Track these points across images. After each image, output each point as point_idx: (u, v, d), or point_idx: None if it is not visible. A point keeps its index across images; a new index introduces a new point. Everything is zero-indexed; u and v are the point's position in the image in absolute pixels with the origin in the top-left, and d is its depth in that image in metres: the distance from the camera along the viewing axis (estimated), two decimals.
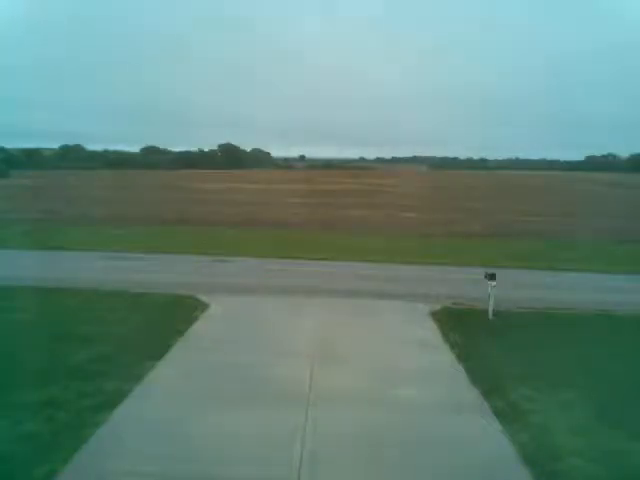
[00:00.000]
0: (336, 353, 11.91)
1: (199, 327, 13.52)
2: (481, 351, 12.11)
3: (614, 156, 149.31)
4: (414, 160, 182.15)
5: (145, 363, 10.78)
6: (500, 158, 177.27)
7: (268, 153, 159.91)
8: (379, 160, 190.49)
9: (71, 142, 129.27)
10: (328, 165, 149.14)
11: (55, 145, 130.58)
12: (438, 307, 15.68)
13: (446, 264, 22.62)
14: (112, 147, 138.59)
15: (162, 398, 9.44)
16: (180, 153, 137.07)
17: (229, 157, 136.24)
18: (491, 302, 14.62)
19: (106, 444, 7.81)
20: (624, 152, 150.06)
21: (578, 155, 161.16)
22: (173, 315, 14.23)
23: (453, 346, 12.42)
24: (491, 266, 17.44)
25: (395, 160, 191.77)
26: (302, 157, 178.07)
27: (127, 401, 9.17)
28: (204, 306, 15.24)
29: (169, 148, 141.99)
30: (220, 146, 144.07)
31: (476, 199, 56.12)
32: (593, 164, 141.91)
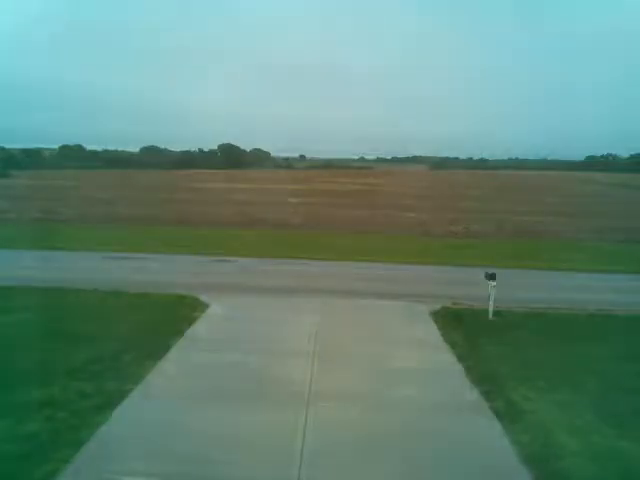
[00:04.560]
0: (336, 353, 11.93)
1: (199, 327, 13.53)
2: (481, 351, 12.12)
3: (614, 156, 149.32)
4: (414, 160, 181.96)
5: (145, 363, 10.79)
6: (500, 158, 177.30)
7: (268, 153, 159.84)
8: (379, 160, 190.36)
9: (71, 142, 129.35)
10: (328, 165, 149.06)
11: (55, 145, 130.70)
12: (438, 307, 15.69)
13: (445, 264, 22.63)
14: (112, 147, 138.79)
15: (162, 398, 9.45)
16: (180, 153, 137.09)
17: (229, 157, 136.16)
18: (491, 302, 14.62)
19: (106, 444, 7.81)
20: (624, 152, 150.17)
21: (578, 155, 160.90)
22: (173, 315, 14.23)
23: (453, 346, 12.42)
24: (491, 266, 17.43)
25: (395, 160, 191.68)
26: (302, 157, 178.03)
27: (127, 401, 9.18)
28: (204, 306, 15.25)
29: (169, 148, 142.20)
30: (220, 146, 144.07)
31: (476, 199, 56.13)
32: (593, 164, 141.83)
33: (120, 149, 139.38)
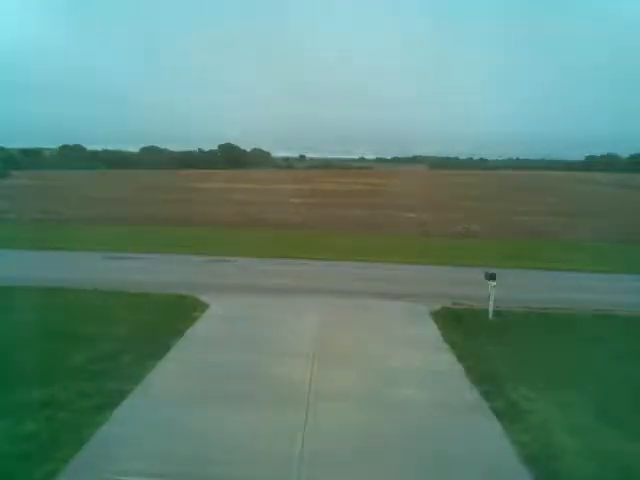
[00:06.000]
0: (336, 353, 11.93)
1: (199, 327, 13.53)
2: (481, 351, 12.12)
3: (614, 156, 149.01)
4: (414, 160, 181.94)
5: (145, 363, 10.80)
6: (500, 158, 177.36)
7: (268, 153, 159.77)
8: (379, 160, 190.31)
9: (71, 142, 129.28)
10: (328, 165, 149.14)
11: (55, 145, 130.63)
12: (438, 307, 15.69)
13: (445, 264, 22.63)
14: (112, 147, 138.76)
15: (162, 398, 9.45)
16: (180, 153, 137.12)
17: (229, 157, 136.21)
18: (491, 302, 14.62)
19: (107, 444, 7.83)
20: (624, 152, 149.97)
21: (578, 155, 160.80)
22: (173, 315, 14.24)
23: (453, 346, 12.43)
24: (491, 266, 17.42)
25: (396, 160, 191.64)
26: (302, 157, 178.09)
27: (127, 401, 9.19)
28: (204, 306, 15.26)
29: (169, 148, 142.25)
30: (220, 146, 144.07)
31: (476, 199, 56.10)
32: (593, 164, 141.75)
33: (120, 149, 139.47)
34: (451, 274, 20.79)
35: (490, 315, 14.66)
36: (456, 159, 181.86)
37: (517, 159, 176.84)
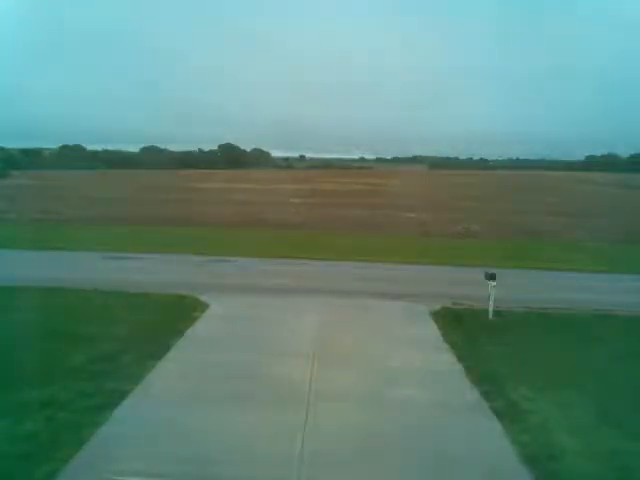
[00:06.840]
0: (336, 353, 11.93)
1: (199, 327, 13.53)
2: (481, 351, 12.12)
3: (614, 156, 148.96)
4: (414, 160, 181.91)
5: (145, 363, 10.80)
6: (500, 158, 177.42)
7: (268, 153, 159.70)
8: (379, 160, 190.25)
9: (71, 142, 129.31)
10: (328, 165, 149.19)
11: (55, 145, 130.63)
12: (438, 307, 15.69)
13: (445, 264, 22.63)
14: (112, 147, 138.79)
15: (162, 398, 9.45)
16: (180, 153, 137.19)
17: (229, 157, 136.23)
18: (491, 302, 14.62)
19: (107, 444, 7.82)
20: (624, 152, 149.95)
21: (578, 155, 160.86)
22: (173, 315, 14.24)
23: (453, 346, 12.43)
24: (491, 266, 17.41)
25: (395, 160, 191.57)
26: (302, 157, 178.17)
27: (127, 401, 9.18)
28: (204, 306, 15.26)
29: (169, 148, 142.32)
30: (220, 146, 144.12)
31: (476, 199, 56.09)
32: (593, 164, 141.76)
33: (120, 149, 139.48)
34: (451, 274, 20.79)
35: (490, 315, 14.66)
36: (456, 159, 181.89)
37: (517, 159, 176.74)
